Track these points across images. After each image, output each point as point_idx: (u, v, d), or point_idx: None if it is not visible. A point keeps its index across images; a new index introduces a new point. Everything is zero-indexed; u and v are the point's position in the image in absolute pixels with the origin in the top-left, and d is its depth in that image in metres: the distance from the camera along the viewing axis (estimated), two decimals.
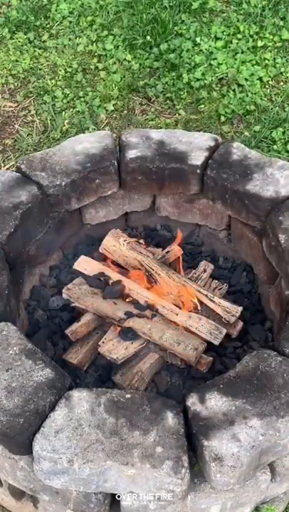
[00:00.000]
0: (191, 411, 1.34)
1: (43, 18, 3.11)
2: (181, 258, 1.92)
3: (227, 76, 2.83)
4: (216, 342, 1.69)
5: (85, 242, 2.04)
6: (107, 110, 2.72)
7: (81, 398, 1.35)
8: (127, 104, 2.77)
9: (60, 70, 2.88)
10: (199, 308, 1.77)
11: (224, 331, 1.71)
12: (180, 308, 1.75)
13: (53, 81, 2.83)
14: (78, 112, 2.71)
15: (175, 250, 1.96)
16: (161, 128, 2.56)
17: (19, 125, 2.68)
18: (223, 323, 1.74)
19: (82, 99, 2.76)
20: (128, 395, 1.37)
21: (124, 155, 1.88)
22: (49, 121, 2.66)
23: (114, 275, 1.80)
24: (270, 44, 2.95)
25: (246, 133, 2.64)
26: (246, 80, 2.80)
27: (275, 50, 2.96)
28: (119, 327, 1.70)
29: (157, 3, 3.05)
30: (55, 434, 1.29)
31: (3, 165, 2.53)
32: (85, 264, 1.83)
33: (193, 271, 1.92)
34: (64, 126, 2.65)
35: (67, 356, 1.70)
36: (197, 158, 1.86)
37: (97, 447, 1.27)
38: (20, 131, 2.64)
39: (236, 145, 1.90)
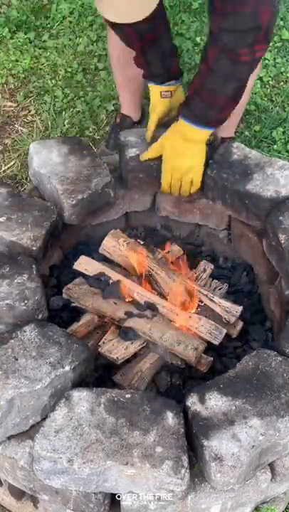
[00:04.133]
0: (191, 411, 1.35)
1: (43, 18, 3.11)
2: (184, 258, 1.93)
3: None
4: (216, 342, 1.69)
5: (85, 242, 2.04)
6: (107, 110, 2.72)
7: (81, 398, 1.35)
8: None
9: (60, 70, 2.88)
10: (199, 308, 1.77)
11: (224, 331, 1.71)
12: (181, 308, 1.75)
13: (53, 81, 2.83)
14: (78, 111, 2.71)
15: (175, 250, 1.96)
16: None
17: (19, 125, 2.68)
18: (223, 323, 1.75)
19: (82, 99, 2.76)
20: (128, 395, 1.37)
21: (124, 154, 1.88)
22: (49, 121, 2.66)
23: (114, 275, 1.80)
24: (270, 44, 2.95)
25: (246, 133, 2.64)
26: None
27: (275, 50, 2.96)
28: (119, 327, 1.71)
29: None
30: (55, 433, 1.29)
31: (3, 165, 2.53)
32: (86, 264, 1.83)
33: (194, 271, 1.92)
34: (64, 126, 2.65)
35: None
36: None
37: (97, 447, 1.27)
38: (21, 131, 2.65)
39: (236, 145, 1.90)
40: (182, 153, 1.72)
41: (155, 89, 1.81)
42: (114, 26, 1.69)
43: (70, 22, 3.10)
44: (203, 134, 1.68)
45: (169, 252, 1.94)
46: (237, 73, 1.57)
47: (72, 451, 1.26)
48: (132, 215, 2.07)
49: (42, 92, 2.79)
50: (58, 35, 3.05)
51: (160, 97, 1.81)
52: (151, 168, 1.86)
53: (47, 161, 1.82)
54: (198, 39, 2.94)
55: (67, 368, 1.39)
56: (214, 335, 1.69)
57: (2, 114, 2.73)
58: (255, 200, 1.76)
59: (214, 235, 2.06)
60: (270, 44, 2.92)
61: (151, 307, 1.73)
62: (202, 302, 1.78)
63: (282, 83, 2.86)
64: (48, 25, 3.09)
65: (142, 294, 1.76)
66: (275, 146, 2.57)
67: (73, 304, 1.77)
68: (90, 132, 2.63)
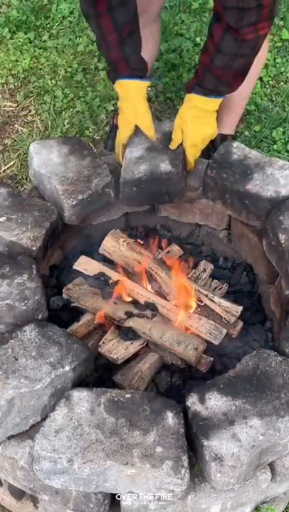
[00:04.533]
0: (191, 411, 1.35)
1: (43, 18, 3.11)
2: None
3: None
4: (216, 342, 1.69)
5: (85, 242, 2.04)
6: (107, 110, 2.72)
7: (81, 398, 1.35)
8: None
9: (60, 70, 2.88)
10: (199, 308, 1.77)
11: (224, 331, 1.71)
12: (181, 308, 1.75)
13: (53, 81, 2.83)
14: (78, 111, 2.71)
15: (175, 250, 1.96)
16: None
17: (19, 125, 2.68)
18: (223, 323, 1.75)
19: (82, 99, 2.76)
20: (128, 395, 1.37)
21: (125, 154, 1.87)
22: (49, 121, 2.66)
23: (114, 275, 1.80)
24: (270, 44, 2.95)
25: (246, 133, 2.64)
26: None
27: (275, 50, 2.96)
28: (119, 327, 1.71)
29: None
30: (55, 433, 1.29)
31: (3, 165, 2.53)
32: (86, 264, 1.83)
33: (193, 271, 1.92)
34: (64, 126, 2.65)
35: None
36: None
37: (97, 447, 1.27)
38: (21, 131, 2.65)
39: (236, 145, 1.90)
40: (203, 123, 1.77)
41: (141, 86, 1.78)
42: (90, 18, 1.68)
43: (70, 22, 3.09)
44: (217, 102, 1.75)
45: (169, 252, 1.95)
46: (242, 51, 1.61)
47: (72, 451, 1.26)
48: (132, 215, 2.08)
49: (42, 92, 2.79)
50: (57, 35, 3.05)
51: (146, 93, 1.80)
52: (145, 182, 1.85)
53: (47, 161, 1.82)
54: (198, 39, 2.94)
55: (67, 368, 1.39)
56: (214, 335, 1.69)
57: (2, 114, 2.73)
58: (255, 200, 1.76)
59: (214, 235, 2.06)
60: (270, 44, 2.93)
61: (151, 307, 1.73)
62: (202, 302, 1.78)
63: (282, 83, 2.86)
64: (48, 25, 3.09)
65: (141, 294, 1.76)
66: (275, 146, 2.57)
67: (73, 304, 1.77)
68: (90, 132, 2.62)
